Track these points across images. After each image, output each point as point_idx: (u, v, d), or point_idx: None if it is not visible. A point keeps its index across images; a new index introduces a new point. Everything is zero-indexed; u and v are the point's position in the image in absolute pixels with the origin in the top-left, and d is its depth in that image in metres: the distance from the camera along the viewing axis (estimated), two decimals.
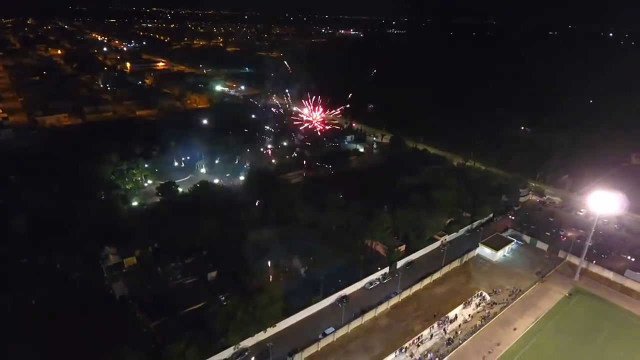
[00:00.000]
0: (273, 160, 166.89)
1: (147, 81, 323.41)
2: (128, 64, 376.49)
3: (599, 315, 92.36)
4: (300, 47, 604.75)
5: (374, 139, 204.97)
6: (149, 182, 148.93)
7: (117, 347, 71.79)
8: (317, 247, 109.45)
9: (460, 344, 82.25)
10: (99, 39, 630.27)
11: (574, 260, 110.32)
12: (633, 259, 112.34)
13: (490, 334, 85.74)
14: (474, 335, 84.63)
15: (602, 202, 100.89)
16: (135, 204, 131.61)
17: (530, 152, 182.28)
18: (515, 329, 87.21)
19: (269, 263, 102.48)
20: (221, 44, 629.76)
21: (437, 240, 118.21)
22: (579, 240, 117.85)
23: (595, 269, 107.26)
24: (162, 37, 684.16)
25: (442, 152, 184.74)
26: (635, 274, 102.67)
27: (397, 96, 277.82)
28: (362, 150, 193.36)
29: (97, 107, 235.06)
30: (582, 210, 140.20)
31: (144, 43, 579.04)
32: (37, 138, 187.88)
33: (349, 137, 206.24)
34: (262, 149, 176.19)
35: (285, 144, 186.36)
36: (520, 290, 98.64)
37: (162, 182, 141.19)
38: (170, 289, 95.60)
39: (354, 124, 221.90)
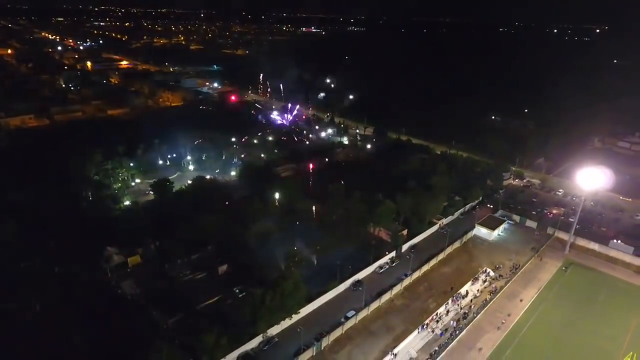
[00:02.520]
0: (262, 155, 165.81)
1: (113, 80, 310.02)
2: (89, 63, 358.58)
3: (592, 283, 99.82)
4: (265, 45, 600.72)
5: (357, 131, 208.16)
6: (137, 180, 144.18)
7: (143, 345, 70.22)
8: (323, 237, 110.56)
9: (474, 317, 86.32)
10: (51, 38, 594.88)
11: (562, 235, 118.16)
12: (610, 231, 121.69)
13: (500, 306, 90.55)
14: (485, 308, 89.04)
15: (589, 179, 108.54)
16: (127, 203, 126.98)
17: (504, 138, 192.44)
18: (521, 300, 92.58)
19: (280, 253, 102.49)
20: (183, 42, 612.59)
21: (435, 223, 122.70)
22: (562, 218, 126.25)
23: (582, 242, 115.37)
24: (119, 36, 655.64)
25: (424, 142, 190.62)
26: (618, 244, 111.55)
27: (373, 90, 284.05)
28: (346, 142, 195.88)
29: (64, 107, 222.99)
30: (560, 190, 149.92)
31: (101, 42, 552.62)
32: (5, 140, 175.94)
33: (330, 130, 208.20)
34: (247, 143, 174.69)
35: (270, 138, 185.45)
36: (519, 265, 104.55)
37: (150, 181, 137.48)
38: (181, 285, 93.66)
39: (335, 118, 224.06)
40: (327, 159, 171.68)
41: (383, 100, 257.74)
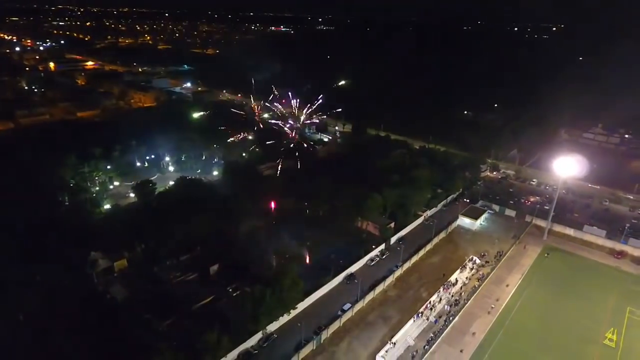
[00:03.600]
0: (244, 154, 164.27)
1: (79, 81, 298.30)
2: (52, 64, 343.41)
3: (571, 266, 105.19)
4: (235, 44, 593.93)
5: (336, 128, 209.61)
6: (116, 183, 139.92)
7: (141, 349, 68.74)
8: (312, 232, 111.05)
9: (465, 303, 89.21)
10: (7, 38, 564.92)
11: (540, 222, 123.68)
12: (583, 217, 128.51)
13: (488, 292, 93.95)
14: (475, 294, 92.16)
15: (564, 168, 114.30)
16: (108, 206, 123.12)
17: (477, 132, 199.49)
18: (507, 285, 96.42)
19: (270, 251, 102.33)
20: (150, 42, 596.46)
21: (420, 216, 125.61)
22: (538, 206, 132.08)
23: (558, 228, 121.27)
24: (81, 36, 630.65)
25: (402, 137, 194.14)
26: (592, 228, 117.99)
27: (348, 89, 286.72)
28: (326, 139, 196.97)
29: (30, 111, 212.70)
30: (534, 180, 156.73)
31: (62, 42, 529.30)
32: None
33: (307, 129, 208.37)
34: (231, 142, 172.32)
35: (250, 137, 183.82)
36: (503, 252, 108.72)
37: (129, 183, 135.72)
38: (172, 287, 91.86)
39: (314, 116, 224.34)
40: (309, 156, 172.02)
41: (359, 98, 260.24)
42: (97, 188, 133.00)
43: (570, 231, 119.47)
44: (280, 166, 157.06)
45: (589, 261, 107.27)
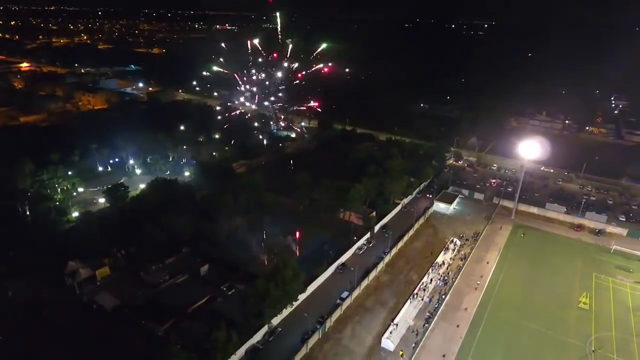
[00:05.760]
0: (214, 153, 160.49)
1: (16, 84, 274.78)
2: None
3: (539, 241, 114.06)
4: (181, 43, 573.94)
5: (302, 124, 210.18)
6: (80, 189, 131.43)
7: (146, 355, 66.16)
8: (296, 226, 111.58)
9: (454, 282, 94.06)
10: None
11: (507, 203, 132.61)
12: (542, 197, 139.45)
13: (472, 270, 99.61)
14: (460, 273, 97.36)
15: (527, 151, 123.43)
16: (76, 214, 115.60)
17: (437, 123, 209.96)
18: (487, 263, 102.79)
19: (258, 246, 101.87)
20: (89, 42, 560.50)
21: (398, 204, 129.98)
22: (502, 188, 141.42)
23: (523, 207, 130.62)
24: (7, 35, 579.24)
25: (367, 130, 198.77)
26: (553, 205, 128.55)
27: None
28: (293, 135, 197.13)
29: None
30: (494, 165, 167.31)
31: None
32: None
33: (273, 125, 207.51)
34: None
35: (217, 136, 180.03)
36: (478, 233, 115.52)
37: (94, 189, 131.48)
38: (163, 291, 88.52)
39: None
40: (279, 153, 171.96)
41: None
42: (60, 195, 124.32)
43: (534, 209, 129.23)
44: (250, 164, 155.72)
45: (552, 235, 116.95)
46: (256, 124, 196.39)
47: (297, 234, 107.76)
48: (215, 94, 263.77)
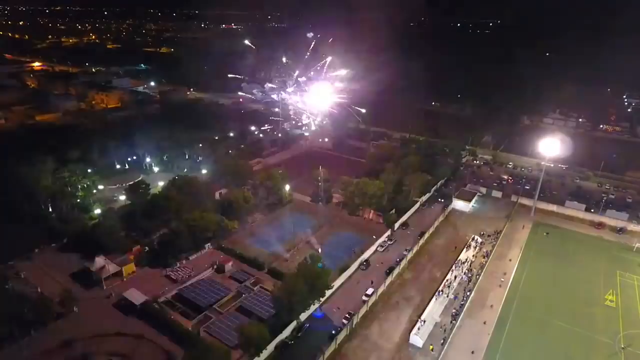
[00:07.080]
0: (230, 151, 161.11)
1: (29, 83, 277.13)
2: None
3: (561, 238, 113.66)
4: (190, 42, 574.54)
5: (315, 121, 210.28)
6: (100, 187, 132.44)
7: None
8: (317, 223, 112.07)
9: (478, 279, 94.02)
10: None
11: (525, 201, 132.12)
12: (561, 194, 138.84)
13: (495, 267, 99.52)
14: (484, 270, 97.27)
15: (548, 149, 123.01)
16: (98, 211, 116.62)
17: (451, 121, 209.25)
18: (510, 260, 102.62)
19: (281, 243, 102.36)
20: (98, 41, 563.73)
21: (417, 201, 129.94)
22: (519, 186, 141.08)
23: (542, 205, 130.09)
24: (17, 35, 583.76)
25: (382, 128, 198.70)
26: (573, 203, 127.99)
27: None
28: (307, 134, 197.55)
29: None
30: (510, 163, 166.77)
31: None
32: None
33: (286, 124, 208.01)
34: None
35: (232, 134, 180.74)
36: (499, 230, 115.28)
37: (113, 187, 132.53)
38: (189, 286, 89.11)
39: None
40: (295, 150, 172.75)
41: None
42: (81, 193, 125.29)
43: (553, 207, 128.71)
44: (266, 162, 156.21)
45: (573, 233, 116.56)
46: (271, 121, 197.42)
47: (319, 230, 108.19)
48: (241, 92, 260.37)
